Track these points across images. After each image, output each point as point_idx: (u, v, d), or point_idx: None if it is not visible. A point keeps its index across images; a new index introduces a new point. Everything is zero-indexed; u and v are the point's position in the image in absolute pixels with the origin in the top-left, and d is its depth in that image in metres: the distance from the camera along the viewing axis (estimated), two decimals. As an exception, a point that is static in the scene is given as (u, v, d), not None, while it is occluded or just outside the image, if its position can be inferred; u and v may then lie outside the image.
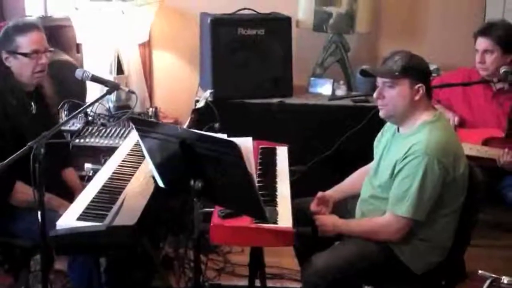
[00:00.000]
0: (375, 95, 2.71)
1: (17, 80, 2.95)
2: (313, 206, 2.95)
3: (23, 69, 2.94)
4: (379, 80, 2.70)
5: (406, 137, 2.67)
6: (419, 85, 2.63)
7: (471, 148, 3.40)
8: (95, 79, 2.87)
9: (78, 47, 4.53)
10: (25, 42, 2.92)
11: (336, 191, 3.05)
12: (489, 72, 3.54)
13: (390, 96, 2.66)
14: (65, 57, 4.23)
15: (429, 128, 2.62)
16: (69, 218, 2.48)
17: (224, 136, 2.25)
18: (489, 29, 3.55)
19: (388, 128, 2.87)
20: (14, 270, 3.10)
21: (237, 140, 2.13)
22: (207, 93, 3.55)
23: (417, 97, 2.64)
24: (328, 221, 2.79)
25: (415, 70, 2.63)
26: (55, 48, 3.68)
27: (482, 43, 3.53)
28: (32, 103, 3.04)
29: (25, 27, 2.96)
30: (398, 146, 2.68)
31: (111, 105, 4.34)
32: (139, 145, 3.01)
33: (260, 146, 3.32)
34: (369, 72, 2.78)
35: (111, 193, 2.73)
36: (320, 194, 2.98)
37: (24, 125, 2.88)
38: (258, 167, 3.05)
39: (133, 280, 3.11)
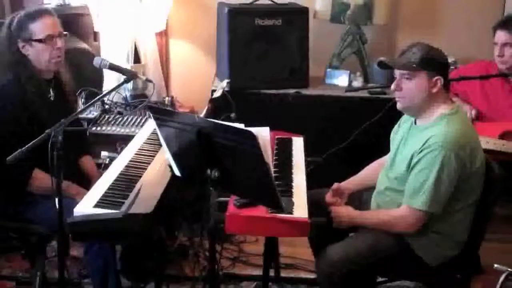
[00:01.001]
0: (392, 87, 2.70)
1: (35, 68, 2.97)
2: (328, 197, 2.95)
3: (40, 56, 2.95)
4: (397, 72, 2.69)
5: (423, 130, 2.66)
6: (437, 77, 2.62)
7: (488, 142, 3.38)
8: (113, 67, 2.88)
9: (95, 35, 4.55)
10: (38, 28, 2.93)
11: (351, 183, 3.06)
12: (508, 65, 3.52)
13: (407, 88, 2.65)
14: (83, 45, 4.25)
15: (446, 121, 2.61)
16: (86, 205, 2.49)
17: (241, 125, 2.26)
18: (509, 22, 3.52)
19: (405, 120, 2.87)
20: (31, 256, 3.12)
21: (254, 130, 2.13)
22: (224, 82, 3.56)
23: (434, 90, 2.62)
24: (343, 212, 2.79)
25: (433, 62, 2.62)
26: (72, 36, 3.69)
27: (502, 36, 3.50)
28: (51, 91, 3.05)
29: (36, 14, 2.96)
30: (415, 139, 2.68)
31: (127, 93, 4.35)
32: (156, 133, 3.04)
33: (276, 137, 3.32)
34: (387, 63, 2.77)
35: (128, 181, 2.74)
36: (335, 185, 2.98)
37: (42, 112, 2.90)
38: (274, 158, 3.05)
39: (148, 268, 3.13)
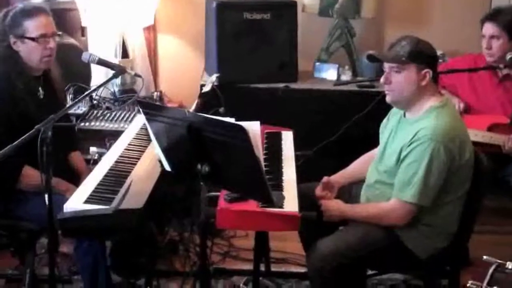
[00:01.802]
0: (382, 80, 2.71)
1: (25, 65, 2.95)
2: (318, 191, 2.96)
3: (31, 54, 2.93)
4: (386, 65, 2.69)
5: (412, 123, 2.67)
6: (426, 70, 2.63)
7: (476, 134, 3.40)
8: (102, 62, 2.87)
9: (83, 30, 4.53)
10: (32, 26, 2.90)
11: (341, 176, 3.06)
12: (496, 58, 3.53)
13: (396, 81, 2.65)
14: (70, 40, 4.23)
15: (436, 114, 2.62)
16: (76, 201, 2.49)
17: (232, 120, 2.26)
18: (496, 14, 3.53)
19: (394, 113, 2.87)
20: (20, 253, 3.11)
21: (244, 124, 2.13)
22: (213, 77, 3.56)
23: (423, 82, 2.63)
24: (333, 205, 2.79)
25: (422, 55, 2.63)
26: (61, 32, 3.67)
27: (489, 28, 3.51)
28: (40, 88, 3.03)
29: (33, 11, 2.94)
30: (405, 132, 2.68)
31: (116, 89, 4.33)
32: (145, 129, 3.03)
33: (266, 131, 3.31)
34: (376, 57, 2.77)
35: (117, 176, 2.73)
36: (325, 179, 2.98)
37: (31, 109, 2.88)
38: (264, 152, 3.04)
39: (138, 263, 3.12)
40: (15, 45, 2.92)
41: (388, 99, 2.73)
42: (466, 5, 4.61)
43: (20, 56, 2.93)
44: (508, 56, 3.47)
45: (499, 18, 3.50)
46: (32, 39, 2.90)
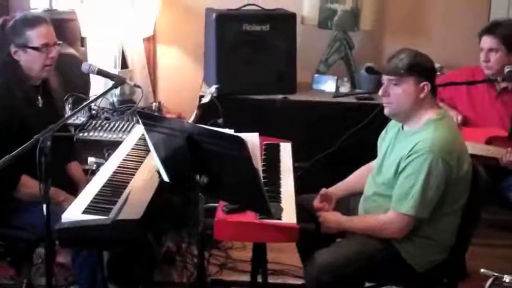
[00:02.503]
0: (380, 92, 2.72)
1: (24, 74, 2.95)
2: (316, 203, 2.96)
3: (32, 63, 2.94)
4: (385, 78, 2.70)
5: (410, 135, 2.68)
6: (424, 83, 2.63)
7: (474, 147, 3.40)
8: (101, 73, 2.88)
9: (82, 41, 4.53)
10: (35, 36, 2.92)
11: (339, 188, 3.06)
12: (494, 71, 3.54)
13: (395, 94, 2.66)
14: (70, 50, 4.23)
15: (434, 126, 2.62)
16: (75, 212, 2.49)
17: (231, 131, 2.26)
18: (494, 27, 3.54)
19: (393, 125, 2.88)
20: (17, 263, 3.10)
21: (243, 135, 2.13)
22: (212, 88, 3.56)
23: (422, 95, 2.64)
24: (331, 217, 2.80)
25: (421, 68, 2.64)
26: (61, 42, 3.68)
27: (487, 41, 3.53)
28: (39, 97, 3.04)
29: (34, 21, 2.95)
30: (403, 144, 2.69)
31: (115, 99, 4.34)
32: (143, 139, 3.04)
33: (264, 142, 3.32)
34: (375, 69, 2.78)
35: (116, 187, 2.73)
36: (323, 191, 2.98)
37: (30, 119, 2.88)
38: (262, 163, 3.04)
39: (136, 274, 3.12)
40: (15, 55, 2.93)
41: (386, 111, 2.74)
42: (464, 18, 4.64)
43: (20, 66, 2.94)
44: (506, 69, 3.48)
45: (497, 31, 3.51)
46: (35, 48, 2.91)
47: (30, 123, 2.83)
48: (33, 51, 2.92)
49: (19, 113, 2.88)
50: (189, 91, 4.59)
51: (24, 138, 2.40)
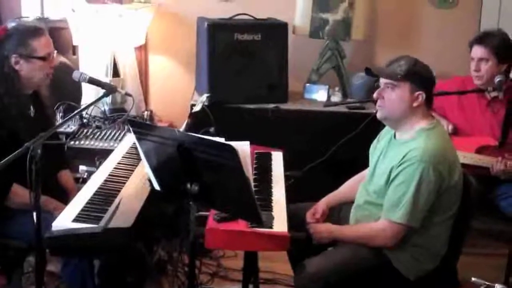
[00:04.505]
0: (375, 95, 2.72)
1: (22, 85, 2.96)
2: (308, 217, 2.95)
3: (36, 72, 2.97)
4: (382, 81, 2.71)
5: (402, 143, 2.68)
6: (419, 92, 2.64)
7: (465, 156, 3.41)
8: (92, 81, 2.87)
9: (74, 49, 4.53)
10: (40, 46, 2.95)
11: (330, 198, 3.05)
12: (484, 80, 3.54)
13: (389, 98, 2.67)
14: (62, 59, 4.22)
15: (425, 135, 2.63)
16: (65, 220, 2.48)
17: (222, 140, 2.26)
18: (485, 37, 3.56)
19: (385, 134, 2.89)
20: (7, 271, 3.08)
21: (234, 144, 2.14)
22: (204, 97, 3.56)
23: (415, 104, 2.65)
24: (322, 228, 2.81)
25: (418, 77, 2.64)
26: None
27: (478, 51, 3.54)
28: (31, 106, 3.04)
29: (37, 31, 3.00)
30: (394, 152, 2.70)
31: (106, 107, 4.34)
32: (134, 148, 3.03)
33: (256, 151, 3.32)
34: (373, 71, 2.79)
35: (106, 195, 2.73)
36: (313, 209, 2.98)
37: (22, 128, 2.87)
38: (254, 172, 3.05)
39: (126, 283, 3.10)
40: (17, 65, 2.94)
41: (378, 114, 2.74)
42: (455, 28, 4.66)
43: (19, 76, 2.95)
44: (496, 79, 3.49)
45: (487, 41, 3.53)
46: (41, 58, 2.94)
47: (21, 132, 2.82)
48: (38, 61, 2.95)
49: (11, 123, 2.87)
50: (180, 99, 4.59)
51: (15, 146, 2.40)
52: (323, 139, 4.16)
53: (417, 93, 2.64)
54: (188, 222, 2.43)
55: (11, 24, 3.59)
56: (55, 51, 3.08)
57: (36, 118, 3.03)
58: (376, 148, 2.91)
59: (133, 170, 3.02)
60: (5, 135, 2.84)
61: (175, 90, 4.81)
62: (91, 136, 3.83)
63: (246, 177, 2.17)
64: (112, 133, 3.88)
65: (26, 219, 2.50)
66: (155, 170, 2.51)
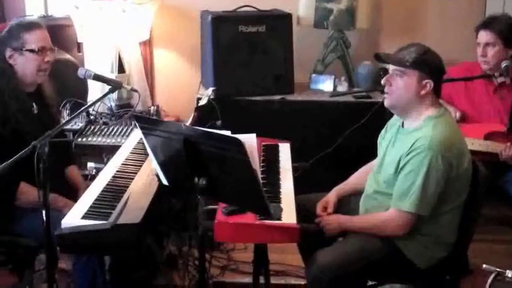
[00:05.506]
0: (383, 81, 2.70)
1: (18, 80, 2.96)
2: (318, 210, 2.94)
3: (28, 66, 2.94)
4: (391, 68, 2.70)
5: (410, 132, 2.67)
6: (427, 80, 2.62)
7: (473, 143, 3.40)
8: (98, 77, 2.87)
9: (79, 46, 4.54)
10: (32, 39, 2.94)
11: (340, 190, 3.04)
12: (491, 65, 3.53)
13: (397, 85, 2.65)
14: (66, 56, 4.24)
15: (433, 123, 2.62)
16: (74, 217, 2.48)
17: (228, 133, 2.26)
18: (491, 22, 3.54)
19: (393, 123, 2.87)
20: (18, 270, 3.10)
21: (241, 137, 2.13)
22: (209, 90, 3.56)
23: (423, 92, 2.63)
24: (332, 219, 2.81)
25: (427, 65, 2.63)
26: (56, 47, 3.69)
27: (484, 36, 3.53)
28: (34, 104, 3.03)
29: (31, 25, 2.98)
30: (403, 141, 2.68)
31: (112, 103, 4.34)
32: (142, 143, 3.03)
33: (263, 143, 3.32)
34: (382, 57, 2.78)
35: (115, 191, 2.73)
36: (324, 202, 2.97)
37: (26, 126, 2.88)
38: (261, 164, 3.04)
39: (137, 278, 3.11)
40: (11, 59, 2.93)
41: (386, 102, 2.73)
42: (460, 13, 4.64)
43: (15, 71, 2.94)
44: (503, 64, 3.48)
45: (494, 25, 3.52)
46: (32, 51, 2.93)
47: (25, 131, 2.83)
48: (29, 54, 2.93)
49: (14, 122, 2.87)
50: (186, 93, 4.59)
51: (21, 145, 2.40)
52: (330, 129, 4.16)
53: (425, 81, 2.62)
54: (197, 216, 2.43)
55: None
56: (54, 48, 3.06)
57: (39, 116, 3.03)
58: (384, 138, 2.90)
59: (141, 166, 3.02)
60: (8, 133, 2.84)
61: (180, 84, 4.81)
62: (98, 133, 3.83)
63: (253, 170, 2.17)
64: (119, 129, 3.88)
65: (36, 218, 2.52)
66: (162, 165, 2.51)
